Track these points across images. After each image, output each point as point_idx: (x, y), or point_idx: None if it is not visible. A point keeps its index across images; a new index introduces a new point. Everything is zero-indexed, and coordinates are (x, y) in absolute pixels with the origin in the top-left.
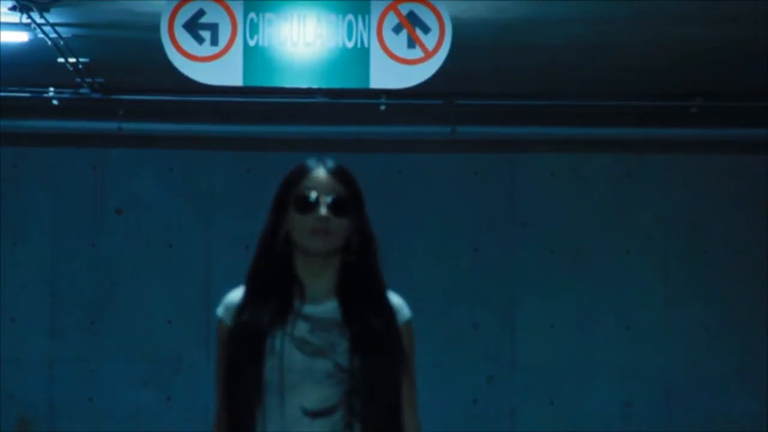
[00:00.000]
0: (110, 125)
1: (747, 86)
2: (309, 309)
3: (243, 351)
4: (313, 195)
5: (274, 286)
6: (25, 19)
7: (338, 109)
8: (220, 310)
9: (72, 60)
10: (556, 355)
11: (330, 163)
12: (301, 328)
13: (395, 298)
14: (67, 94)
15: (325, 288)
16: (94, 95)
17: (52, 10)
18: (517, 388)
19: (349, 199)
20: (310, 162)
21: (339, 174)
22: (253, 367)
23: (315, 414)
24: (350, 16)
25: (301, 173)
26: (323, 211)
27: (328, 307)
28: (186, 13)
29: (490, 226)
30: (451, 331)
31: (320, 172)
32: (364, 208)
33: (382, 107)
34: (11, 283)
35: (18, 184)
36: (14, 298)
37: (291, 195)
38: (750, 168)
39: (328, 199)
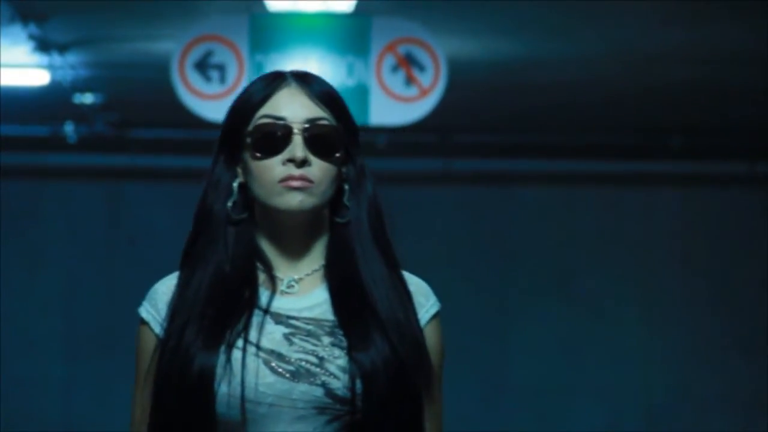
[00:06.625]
0: (124, 160)
1: (727, 123)
2: (283, 303)
3: (179, 373)
4: (281, 125)
5: (224, 271)
6: (44, 61)
7: None
8: (143, 310)
9: (88, 98)
10: (545, 378)
11: (304, 76)
12: (273, 335)
13: (415, 281)
14: (83, 130)
15: (308, 270)
16: (109, 131)
17: (69, 51)
18: (509, 410)
19: (337, 129)
20: (272, 75)
21: (319, 90)
22: (197, 398)
23: None
24: (350, 57)
25: (260, 94)
26: (299, 149)
27: (313, 300)
28: (195, 54)
29: (483, 256)
30: (447, 356)
31: (290, 90)
32: (358, 141)
33: (381, 143)
34: (31, 309)
35: (37, 216)
36: (33, 322)
37: (245, 129)
38: (730, 201)
39: (306, 130)
